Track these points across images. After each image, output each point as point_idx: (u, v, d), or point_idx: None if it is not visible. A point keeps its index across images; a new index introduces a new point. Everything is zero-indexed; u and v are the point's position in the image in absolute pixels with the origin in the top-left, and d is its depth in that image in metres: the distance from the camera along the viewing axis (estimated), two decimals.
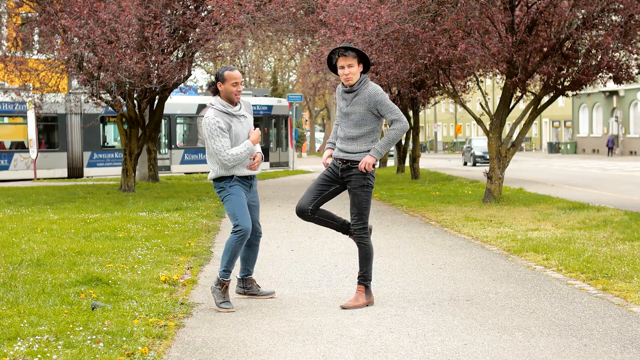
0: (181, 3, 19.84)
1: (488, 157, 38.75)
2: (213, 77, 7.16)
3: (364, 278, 6.75)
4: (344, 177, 6.77)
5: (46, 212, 14.72)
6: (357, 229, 6.74)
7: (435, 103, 31.56)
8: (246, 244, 7.04)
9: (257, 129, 6.95)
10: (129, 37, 17.94)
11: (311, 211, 6.84)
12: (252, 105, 7.29)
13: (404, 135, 31.69)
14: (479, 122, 16.91)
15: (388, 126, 6.97)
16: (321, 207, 6.89)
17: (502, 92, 16.92)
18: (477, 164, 43.53)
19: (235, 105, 6.87)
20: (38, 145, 29.71)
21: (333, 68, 6.91)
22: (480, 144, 44.67)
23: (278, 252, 9.74)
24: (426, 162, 46.91)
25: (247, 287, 7.15)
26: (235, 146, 6.80)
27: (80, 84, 19.74)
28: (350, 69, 6.71)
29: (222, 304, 6.67)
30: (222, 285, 6.74)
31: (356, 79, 6.75)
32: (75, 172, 31.81)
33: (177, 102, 34.27)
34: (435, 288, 7.51)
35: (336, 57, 6.79)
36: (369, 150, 6.70)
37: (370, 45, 16.75)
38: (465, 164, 45.79)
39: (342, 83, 6.85)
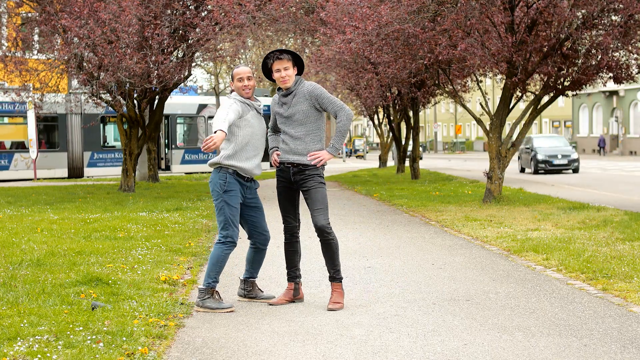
0: (181, 3, 19.85)
1: (556, 161, 32.38)
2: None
3: (338, 272, 6.80)
4: (297, 180, 6.79)
5: (46, 212, 14.72)
6: (326, 224, 6.71)
7: (435, 103, 31.54)
8: (253, 247, 7.02)
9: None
10: (129, 37, 17.94)
11: (298, 227, 6.99)
12: None
13: (404, 135, 31.72)
14: (479, 122, 16.92)
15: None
16: (300, 242, 7.04)
17: (502, 92, 16.92)
18: (539, 171, 32.84)
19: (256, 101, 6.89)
20: (38, 145, 29.71)
21: (268, 73, 6.92)
22: (545, 143, 34.03)
23: (278, 252, 9.73)
24: (426, 162, 46.97)
25: (248, 289, 7.06)
26: (250, 142, 6.70)
27: (80, 84, 19.75)
28: (286, 72, 6.74)
29: (220, 306, 6.64)
30: (211, 292, 6.65)
31: (292, 81, 6.78)
32: (75, 172, 31.82)
33: (177, 102, 34.29)
34: (435, 288, 7.51)
35: (271, 61, 6.82)
36: (320, 150, 6.75)
37: (370, 45, 16.76)
38: (522, 170, 35.17)
39: (277, 93, 6.89)
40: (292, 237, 6.99)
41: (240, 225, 6.93)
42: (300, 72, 6.88)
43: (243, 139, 6.71)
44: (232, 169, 6.73)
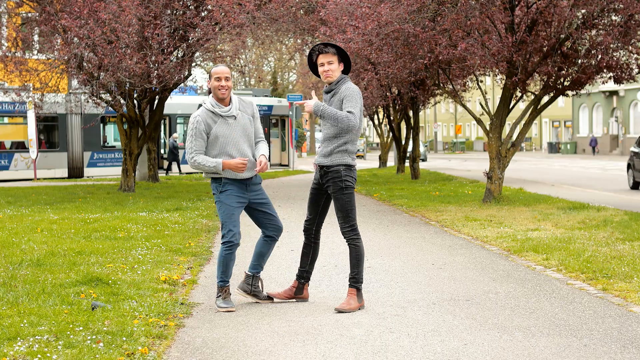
0: (181, 3, 19.83)
1: None
2: None
3: (356, 280, 6.67)
4: (323, 182, 6.76)
5: (46, 212, 14.71)
6: (346, 231, 6.70)
7: (436, 103, 31.53)
8: (264, 238, 6.94)
9: (258, 158, 6.70)
10: (129, 37, 17.94)
11: (316, 231, 6.95)
12: None
13: (404, 135, 31.70)
14: (479, 122, 16.92)
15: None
16: (317, 247, 6.99)
17: (502, 92, 16.92)
18: None
19: (228, 105, 6.76)
20: (38, 145, 29.70)
21: (314, 67, 6.82)
22: None
23: (278, 253, 9.74)
24: (426, 162, 46.94)
25: (255, 285, 6.95)
26: (212, 147, 6.67)
27: (80, 84, 19.75)
28: (330, 66, 6.62)
29: (221, 304, 6.66)
30: (222, 291, 6.72)
31: (336, 77, 6.66)
32: (75, 172, 31.81)
33: (177, 102, 34.26)
34: (435, 288, 7.51)
35: (316, 54, 6.71)
36: (343, 158, 6.64)
37: (370, 45, 16.76)
38: (635, 185, 21.96)
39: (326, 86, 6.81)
40: (307, 239, 6.97)
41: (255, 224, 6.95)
42: (347, 70, 6.75)
43: (215, 151, 6.69)
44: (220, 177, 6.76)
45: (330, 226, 12.36)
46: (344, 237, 6.75)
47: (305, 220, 6.96)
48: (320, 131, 6.85)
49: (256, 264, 6.97)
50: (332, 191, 6.70)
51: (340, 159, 6.68)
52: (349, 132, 6.65)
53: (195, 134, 6.66)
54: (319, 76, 6.79)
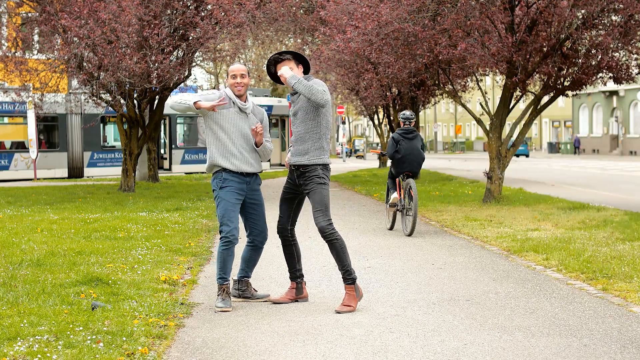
0: (181, 3, 19.84)
1: None
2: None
3: (349, 273, 6.65)
4: (300, 182, 6.77)
5: (46, 212, 14.72)
6: (326, 226, 6.65)
7: (435, 103, 31.52)
8: (250, 246, 7.00)
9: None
10: (129, 37, 17.94)
11: (290, 230, 6.95)
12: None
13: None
14: (479, 122, 16.92)
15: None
16: (297, 245, 6.99)
17: (502, 92, 16.92)
18: None
19: (245, 102, 6.85)
20: (38, 145, 29.70)
21: (274, 77, 6.89)
22: None
23: (278, 252, 9.72)
24: (426, 162, 46.91)
25: (242, 289, 7.04)
26: (223, 134, 6.72)
27: (80, 84, 19.75)
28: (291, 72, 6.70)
29: (218, 304, 6.66)
30: (220, 289, 6.73)
31: None
32: (75, 172, 31.81)
33: None
34: (435, 288, 7.51)
35: (273, 67, 6.80)
36: (320, 157, 6.69)
37: (370, 45, 16.76)
38: None
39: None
40: (284, 240, 6.97)
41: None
42: (307, 71, 6.83)
43: (218, 134, 6.74)
44: (222, 168, 6.76)
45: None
46: (324, 233, 6.63)
47: (279, 221, 6.95)
48: (293, 132, 6.84)
49: (242, 268, 7.05)
50: (311, 187, 6.69)
51: (318, 158, 6.71)
52: (320, 125, 6.66)
53: (207, 94, 6.72)
54: (281, 84, 6.85)
